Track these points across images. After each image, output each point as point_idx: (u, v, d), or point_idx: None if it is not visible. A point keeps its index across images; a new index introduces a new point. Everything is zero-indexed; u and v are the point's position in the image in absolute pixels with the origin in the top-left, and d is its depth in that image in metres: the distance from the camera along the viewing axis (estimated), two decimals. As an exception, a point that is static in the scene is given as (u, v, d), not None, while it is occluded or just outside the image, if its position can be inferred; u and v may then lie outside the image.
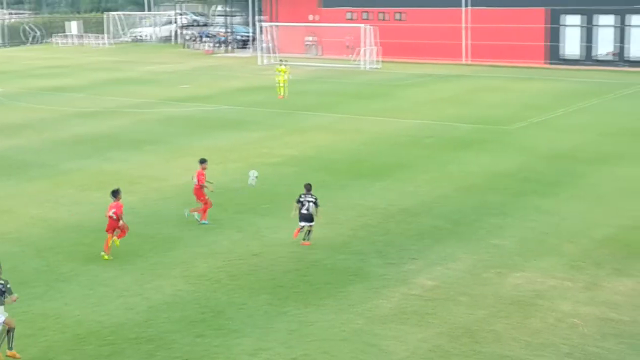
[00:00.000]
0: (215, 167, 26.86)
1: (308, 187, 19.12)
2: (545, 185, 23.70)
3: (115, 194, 18.20)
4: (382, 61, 58.67)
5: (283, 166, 26.76)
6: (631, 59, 54.52)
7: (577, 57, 56.25)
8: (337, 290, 16.08)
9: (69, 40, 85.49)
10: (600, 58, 55.27)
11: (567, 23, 56.67)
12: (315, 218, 18.74)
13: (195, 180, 20.59)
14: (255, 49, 68.70)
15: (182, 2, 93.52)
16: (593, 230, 19.44)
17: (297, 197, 18.98)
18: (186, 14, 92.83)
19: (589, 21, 55.70)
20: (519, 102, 40.03)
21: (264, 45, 63.97)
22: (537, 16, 57.13)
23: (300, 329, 14.38)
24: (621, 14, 54.52)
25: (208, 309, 15.30)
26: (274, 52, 63.24)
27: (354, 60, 58.83)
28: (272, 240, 19.16)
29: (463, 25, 59.37)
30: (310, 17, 67.14)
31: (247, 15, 78.34)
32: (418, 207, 21.73)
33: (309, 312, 15.04)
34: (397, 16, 62.95)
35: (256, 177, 22.46)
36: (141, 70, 58.61)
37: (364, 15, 63.91)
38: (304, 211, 18.74)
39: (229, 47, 72.97)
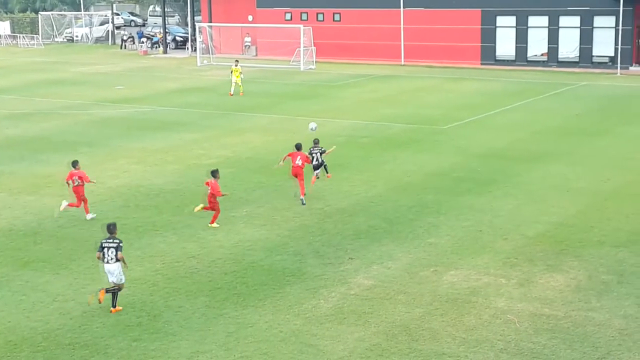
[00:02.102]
0: (150, 168, 26.65)
1: (316, 142, 23.14)
2: (479, 184, 24.06)
3: (214, 173, 20.15)
4: (319, 62, 58.87)
5: (219, 167, 26.47)
6: (562, 60, 55.78)
7: (511, 58, 57.29)
8: (275, 291, 16.07)
9: (1, 41, 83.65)
10: (535, 59, 56.41)
11: (501, 24, 57.66)
12: (325, 162, 22.99)
13: (300, 162, 22.11)
14: (192, 50, 68.25)
15: (118, 2, 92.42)
16: (526, 227, 19.81)
17: (309, 151, 22.58)
18: (118, 14, 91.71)
19: (523, 22, 56.78)
20: (454, 102, 40.57)
21: (202, 46, 63.57)
22: (472, 17, 57.98)
23: (238, 330, 14.32)
24: (553, 15, 55.71)
25: (144, 312, 15.13)
26: (212, 53, 62.91)
27: (293, 61, 58.90)
28: (209, 242, 19.05)
29: (402, 26, 59.89)
30: (250, 18, 66.96)
31: (185, 15, 77.78)
32: (354, 206, 21.85)
33: (247, 314, 15.00)
34: (336, 17, 63.20)
35: (314, 128, 25.91)
36: (74, 71, 57.64)
37: (303, 16, 64.00)
38: (314, 162, 22.69)
39: (167, 48, 72.22)
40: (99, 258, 15.34)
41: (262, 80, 50.88)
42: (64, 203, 20.77)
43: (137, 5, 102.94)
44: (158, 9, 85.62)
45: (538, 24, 56.38)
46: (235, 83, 43.69)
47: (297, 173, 22.12)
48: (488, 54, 57.97)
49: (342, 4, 62.69)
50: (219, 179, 20.31)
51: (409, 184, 24.20)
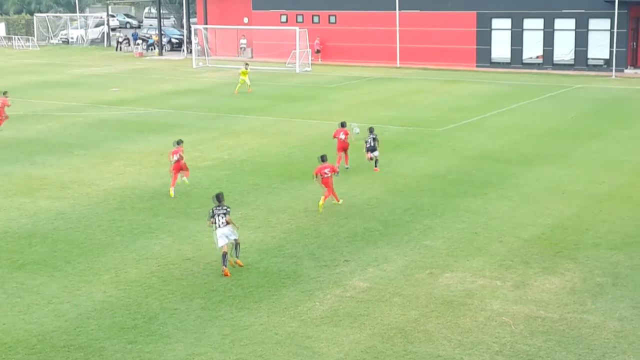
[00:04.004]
0: (145, 170, 26.62)
1: (371, 130, 26.22)
2: (474, 186, 24.09)
3: (324, 157, 21.99)
4: (314, 64, 58.89)
5: (215, 169, 26.63)
6: (557, 62, 55.88)
7: (507, 60, 57.38)
8: (270, 293, 16.06)
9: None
10: (531, 62, 56.53)
11: (496, 27, 57.74)
12: (378, 148, 26.08)
13: (343, 137, 25.88)
14: (188, 52, 68.22)
15: (113, 4, 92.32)
16: (521, 230, 19.84)
17: (365, 139, 26.07)
18: (114, 16, 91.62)
19: (518, 25, 56.86)
20: (449, 105, 40.62)
21: (198, 48, 63.54)
22: (468, 20, 58.05)
23: (233, 333, 14.31)
24: (548, 18, 55.80)
25: (139, 314, 15.11)
26: (208, 55, 62.89)
27: (288, 63, 58.93)
28: (205, 244, 19.02)
29: (397, 28, 59.94)
30: (246, 20, 66.95)
31: (181, 17, 77.73)
32: (350, 209, 21.85)
33: (242, 316, 14.99)
34: (331, 19, 63.23)
35: (357, 131, 27.80)
36: (70, 73, 57.58)
37: (298, 18, 64.01)
38: (369, 145, 25.88)
39: (163, 50, 72.16)
40: (211, 224, 17.32)
41: (258, 82, 50.83)
42: (181, 177, 23.90)
43: (133, 7, 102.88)
44: (153, 10, 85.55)
45: (533, 26, 56.47)
46: (242, 81, 45.61)
47: (342, 147, 25.89)
48: (483, 57, 58.05)
49: (337, 6, 62.74)
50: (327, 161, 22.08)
51: (405, 187, 24.21)
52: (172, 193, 23.19)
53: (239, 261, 17.47)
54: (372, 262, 17.70)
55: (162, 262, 17.90)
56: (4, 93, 36.26)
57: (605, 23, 54.03)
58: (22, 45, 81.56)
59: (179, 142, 24.22)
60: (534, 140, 31.09)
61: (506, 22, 57.29)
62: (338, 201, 21.96)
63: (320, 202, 21.58)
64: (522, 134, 32.36)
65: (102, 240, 19.51)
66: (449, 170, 26.19)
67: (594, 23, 54.64)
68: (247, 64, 48.00)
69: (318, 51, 62.41)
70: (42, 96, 45.25)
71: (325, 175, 21.52)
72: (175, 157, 23.46)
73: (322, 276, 16.92)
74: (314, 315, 14.97)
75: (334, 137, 26.27)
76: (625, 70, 53.70)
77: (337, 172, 23.37)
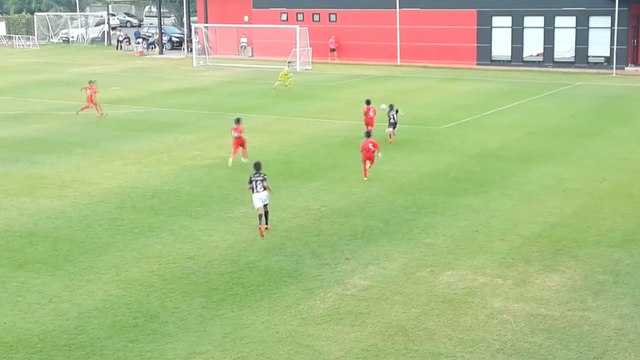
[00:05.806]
0: (146, 169, 26.62)
1: (392, 106, 30.13)
2: (475, 184, 24.08)
3: (369, 134, 25.22)
4: (315, 62, 58.87)
5: (216, 168, 26.62)
6: (558, 60, 55.88)
7: (507, 58, 57.38)
8: (271, 291, 16.06)
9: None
10: (531, 59, 56.52)
11: (496, 24, 57.75)
12: (398, 123, 30.18)
13: (372, 114, 30.18)
14: (188, 51, 68.24)
15: (114, 3, 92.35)
16: (522, 228, 19.83)
17: (388, 114, 29.97)
18: (114, 14, 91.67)
19: (518, 22, 56.86)
20: (449, 103, 40.62)
21: (198, 46, 63.55)
22: (468, 18, 58.04)
23: (234, 331, 14.31)
24: (549, 16, 55.81)
25: (140, 313, 15.11)
26: (208, 54, 62.90)
27: (289, 62, 58.95)
28: (206, 243, 19.03)
29: (398, 26, 59.93)
30: (246, 19, 66.97)
31: (181, 16, 77.75)
32: (351, 207, 21.85)
33: (243, 315, 14.99)
34: (332, 17, 63.23)
35: (384, 107, 30.91)
36: (70, 72, 57.59)
37: (299, 17, 64.01)
38: (392, 121, 29.70)
39: (163, 49, 72.18)
40: (250, 189, 19.61)
41: (258, 80, 50.87)
42: (230, 160, 26.33)
43: (133, 6, 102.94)
44: (154, 9, 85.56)
45: (534, 24, 56.49)
46: (285, 77, 46.19)
47: (369, 122, 29.62)
48: (484, 55, 58.06)
49: (338, 5, 62.75)
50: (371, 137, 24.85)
51: (405, 185, 24.21)
52: (229, 164, 26.13)
53: (267, 226, 19.68)
54: (373, 261, 17.70)
55: (163, 260, 17.90)
56: (92, 82, 38.24)
57: (605, 21, 54.04)
58: (22, 45, 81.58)
59: (238, 121, 26.92)
60: (535, 138, 31.09)
61: (506, 20, 57.31)
62: (365, 176, 24.37)
63: (365, 174, 24.37)
64: (522, 132, 32.35)
65: (102, 239, 19.51)
66: (450, 169, 26.19)
67: (594, 21, 54.66)
68: (289, 62, 48.25)
69: (333, 50, 62.36)
70: (42, 95, 45.25)
71: (370, 151, 24.17)
72: (236, 134, 26.43)
73: (323, 274, 16.92)
74: (314, 314, 14.97)
75: (366, 115, 30.11)
76: (626, 68, 53.70)
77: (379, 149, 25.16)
